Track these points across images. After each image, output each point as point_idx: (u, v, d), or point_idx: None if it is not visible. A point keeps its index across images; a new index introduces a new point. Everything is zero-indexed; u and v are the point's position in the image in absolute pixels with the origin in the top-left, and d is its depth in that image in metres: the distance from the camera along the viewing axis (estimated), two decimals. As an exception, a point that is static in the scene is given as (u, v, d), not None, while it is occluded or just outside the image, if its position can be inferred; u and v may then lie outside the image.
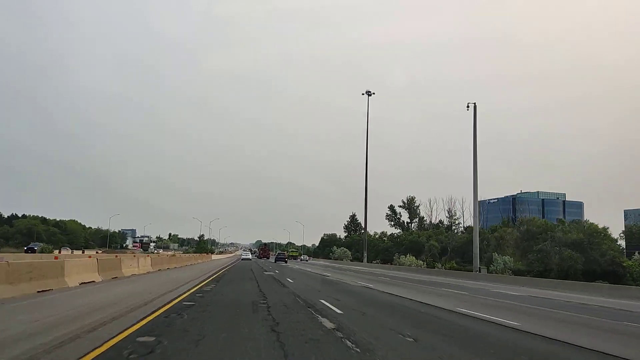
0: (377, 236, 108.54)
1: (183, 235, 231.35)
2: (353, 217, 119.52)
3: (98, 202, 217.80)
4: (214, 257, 76.19)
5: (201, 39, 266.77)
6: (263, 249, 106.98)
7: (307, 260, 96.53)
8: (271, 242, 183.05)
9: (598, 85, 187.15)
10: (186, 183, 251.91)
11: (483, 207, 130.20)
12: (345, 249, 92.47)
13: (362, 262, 67.40)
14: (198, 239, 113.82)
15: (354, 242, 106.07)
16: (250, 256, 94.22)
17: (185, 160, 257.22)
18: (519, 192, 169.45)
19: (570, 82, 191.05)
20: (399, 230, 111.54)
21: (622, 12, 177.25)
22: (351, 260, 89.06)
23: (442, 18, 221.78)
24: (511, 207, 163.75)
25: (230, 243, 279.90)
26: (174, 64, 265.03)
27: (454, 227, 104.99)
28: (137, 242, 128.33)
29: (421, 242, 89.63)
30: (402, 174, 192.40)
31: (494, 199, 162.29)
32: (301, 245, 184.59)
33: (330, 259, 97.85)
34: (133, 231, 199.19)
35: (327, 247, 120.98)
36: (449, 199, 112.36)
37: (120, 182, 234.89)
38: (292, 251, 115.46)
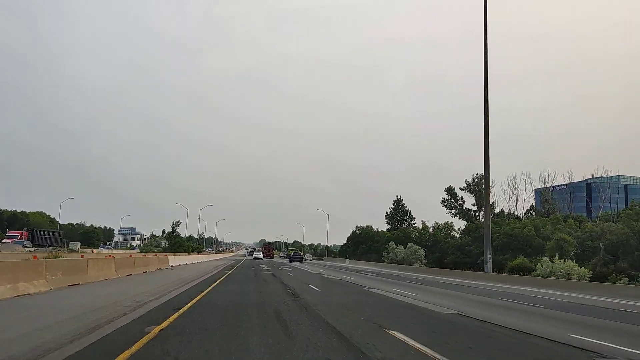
0: (436, 228, 76.05)
1: (183, 233, 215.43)
2: (398, 203, 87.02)
3: (97, 200, 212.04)
4: (182, 259, 41.40)
5: (201, 38, 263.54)
6: (267, 248, 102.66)
7: (310, 260, 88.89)
8: (276, 242, 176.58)
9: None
10: (186, 183, 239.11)
11: (546, 195, 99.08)
12: (416, 247, 59.58)
13: (484, 271, 34.61)
14: (171, 230, 78.85)
15: (406, 237, 73.38)
16: (261, 255, 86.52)
17: (186, 160, 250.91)
18: (591, 176, 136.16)
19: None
20: (463, 221, 79.87)
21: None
22: (425, 265, 56.00)
23: (442, 17, 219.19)
24: (585, 194, 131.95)
25: (234, 242, 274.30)
26: (173, 63, 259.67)
27: (552, 215, 72.54)
28: (17, 232, 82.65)
29: (526, 235, 57.45)
30: (404, 170, 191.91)
31: (561, 185, 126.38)
32: (310, 245, 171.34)
33: (381, 261, 65.00)
34: (132, 229, 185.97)
35: (361, 244, 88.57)
36: (542, 176, 79.90)
37: (119, 180, 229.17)
38: (291, 249, 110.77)
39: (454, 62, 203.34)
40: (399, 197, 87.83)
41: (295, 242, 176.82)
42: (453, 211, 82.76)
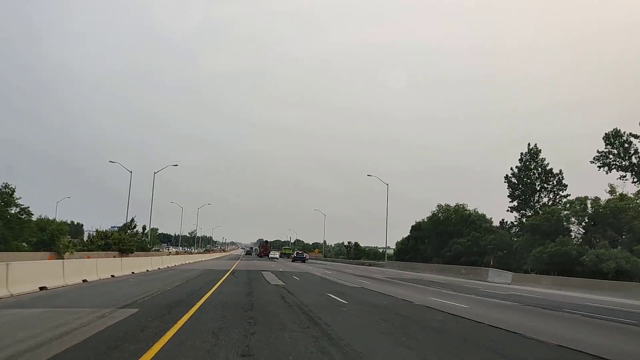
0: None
1: (178, 231, 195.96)
2: (533, 156, 45.31)
3: (89, 198, 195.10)
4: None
5: (200, 37, 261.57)
6: (264, 247, 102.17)
7: (307, 259, 75.55)
8: (275, 241, 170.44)
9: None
10: (186, 182, 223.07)
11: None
12: None
13: None
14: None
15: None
16: (277, 255, 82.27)
17: (185, 158, 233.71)
18: None
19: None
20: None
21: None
22: None
23: (441, 19, 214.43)
24: None
25: (231, 242, 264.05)
26: (173, 62, 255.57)
27: None
28: None
29: None
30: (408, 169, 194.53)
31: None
32: (314, 244, 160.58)
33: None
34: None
35: (452, 236, 47.37)
36: None
37: (115, 178, 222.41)
38: (285, 249, 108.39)
39: (455, 63, 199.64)
40: (533, 146, 46.11)
41: (298, 241, 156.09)
42: (627, 175, 41.56)
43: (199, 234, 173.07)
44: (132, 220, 46.70)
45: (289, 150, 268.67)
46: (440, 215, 51.45)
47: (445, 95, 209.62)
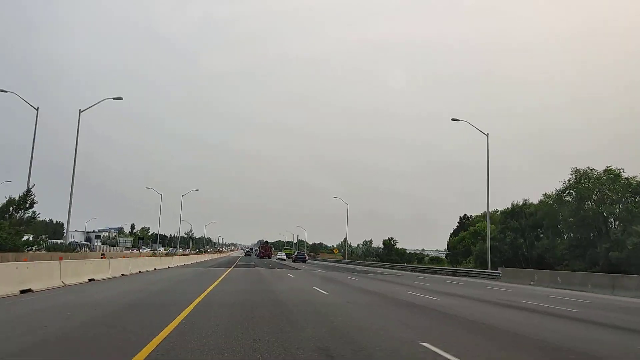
0: None
1: (176, 232, 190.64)
2: None
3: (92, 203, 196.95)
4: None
5: (198, 37, 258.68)
6: (264, 247, 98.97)
7: (307, 259, 74.95)
8: (277, 241, 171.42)
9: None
10: (186, 182, 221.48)
11: None
12: None
13: None
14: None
15: None
16: (284, 256, 79.20)
17: (184, 159, 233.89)
18: None
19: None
20: None
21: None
22: None
23: (441, 18, 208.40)
24: None
25: (231, 243, 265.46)
26: (173, 62, 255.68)
27: None
28: None
29: None
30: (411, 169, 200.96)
31: None
32: (318, 245, 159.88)
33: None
34: (120, 229, 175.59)
35: (603, 223, 25.82)
36: None
37: (114, 180, 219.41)
38: (286, 249, 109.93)
39: (455, 62, 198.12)
40: None
41: (300, 241, 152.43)
42: None
43: (196, 235, 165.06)
44: (29, 192, 24.98)
45: (289, 150, 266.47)
46: (583, 184, 29.49)
47: (445, 94, 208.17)
